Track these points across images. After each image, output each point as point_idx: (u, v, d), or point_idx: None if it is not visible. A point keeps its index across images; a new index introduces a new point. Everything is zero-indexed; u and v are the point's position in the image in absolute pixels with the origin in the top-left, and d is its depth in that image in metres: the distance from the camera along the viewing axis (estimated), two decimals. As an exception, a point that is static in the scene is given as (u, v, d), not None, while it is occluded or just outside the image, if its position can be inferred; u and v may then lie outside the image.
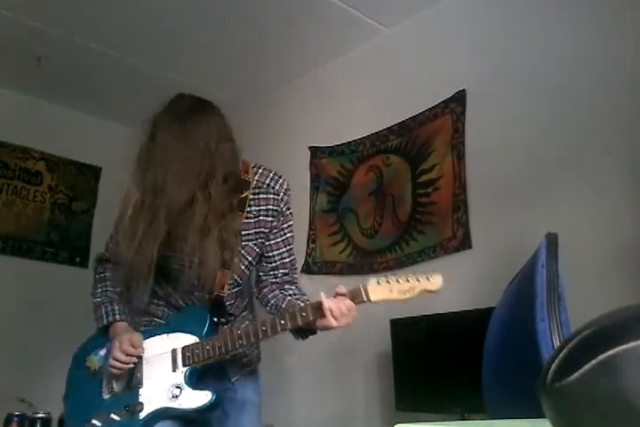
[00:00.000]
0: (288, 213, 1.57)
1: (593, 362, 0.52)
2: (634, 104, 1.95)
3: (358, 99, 2.94)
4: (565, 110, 2.14)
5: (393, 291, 1.35)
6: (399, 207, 2.64)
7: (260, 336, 1.39)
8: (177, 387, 1.39)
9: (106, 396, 1.46)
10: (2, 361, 3.05)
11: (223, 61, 3.22)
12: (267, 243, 1.55)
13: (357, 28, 2.89)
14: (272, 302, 1.57)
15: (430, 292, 1.38)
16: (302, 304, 1.44)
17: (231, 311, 1.56)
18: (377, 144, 2.80)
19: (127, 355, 1.42)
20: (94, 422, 1.41)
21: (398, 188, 2.66)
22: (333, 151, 3.00)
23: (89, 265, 3.67)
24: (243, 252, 1.51)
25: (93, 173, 3.85)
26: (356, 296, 1.35)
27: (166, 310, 1.56)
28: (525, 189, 2.19)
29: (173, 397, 1.38)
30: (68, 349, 3.52)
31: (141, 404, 1.40)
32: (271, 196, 1.53)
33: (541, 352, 1.01)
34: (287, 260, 1.58)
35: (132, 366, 1.43)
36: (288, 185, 1.57)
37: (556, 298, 1.07)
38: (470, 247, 2.31)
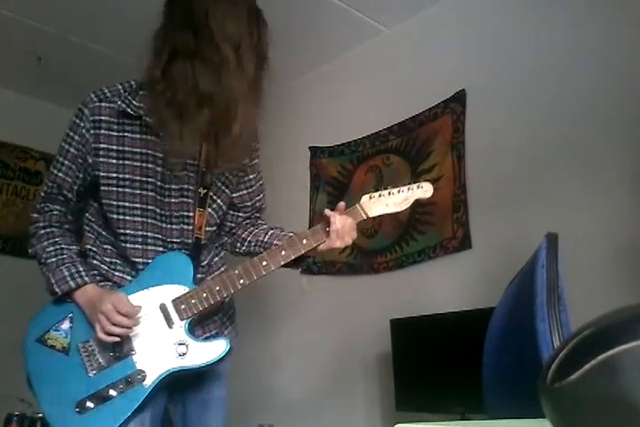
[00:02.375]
0: (255, 162, 1.53)
1: (593, 362, 0.52)
2: (634, 104, 1.95)
3: (358, 99, 2.94)
4: (565, 110, 2.14)
5: (389, 205, 1.38)
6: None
7: (263, 271, 1.31)
8: (180, 344, 1.26)
9: (92, 373, 1.26)
10: (2, 361, 3.05)
11: (223, 61, 3.22)
12: (237, 194, 1.49)
13: (357, 28, 2.89)
14: (250, 238, 1.50)
15: (422, 199, 1.40)
16: (296, 233, 1.39)
17: (206, 259, 1.43)
18: (377, 144, 2.80)
19: (129, 317, 1.25)
20: (88, 404, 1.23)
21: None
22: (333, 151, 3.00)
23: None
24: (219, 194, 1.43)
25: (93, 173, 3.85)
26: (355, 216, 1.36)
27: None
28: (525, 189, 2.19)
29: (180, 355, 1.25)
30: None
31: (142, 371, 1.24)
32: None
33: (541, 352, 1.01)
34: (260, 205, 1.56)
35: (133, 330, 1.26)
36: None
37: (556, 298, 1.07)
38: (470, 247, 2.31)
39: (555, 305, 1.06)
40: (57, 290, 1.29)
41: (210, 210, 1.40)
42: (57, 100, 3.62)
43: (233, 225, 1.54)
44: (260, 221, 1.57)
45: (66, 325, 1.31)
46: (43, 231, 1.35)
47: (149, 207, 1.33)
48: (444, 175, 2.47)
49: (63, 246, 1.33)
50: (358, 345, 2.59)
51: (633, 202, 1.89)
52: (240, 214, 1.53)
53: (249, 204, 1.54)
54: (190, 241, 1.37)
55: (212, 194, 1.40)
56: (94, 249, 1.37)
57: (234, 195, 1.49)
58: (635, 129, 1.94)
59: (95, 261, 1.37)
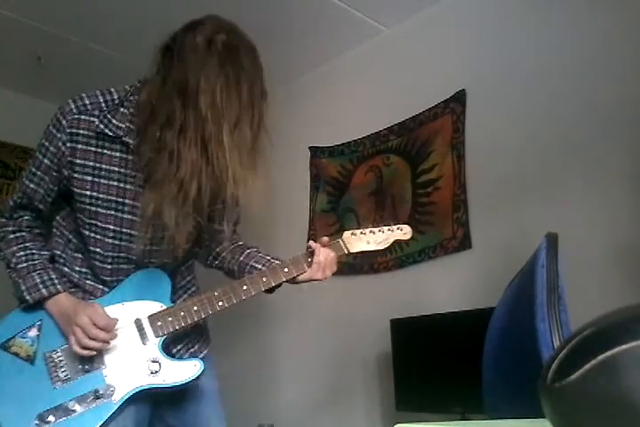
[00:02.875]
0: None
1: (593, 362, 0.52)
2: (634, 104, 1.95)
3: (358, 99, 2.94)
4: (565, 110, 2.14)
5: (370, 243, 1.43)
6: (399, 207, 2.64)
7: (243, 296, 1.29)
8: (154, 361, 1.23)
9: (57, 384, 1.20)
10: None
11: (223, 61, 3.22)
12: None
13: (357, 28, 2.89)
14: (224, 253, 1.47)
15: (401, 241, 1.48)
16: (277, 261, 1.38)
17: (182, 276, 1.41)
18: (377, 144, 2.80)
19: (107, 331, 1.20)
20: (49, 418, 1.16)
21: (398, 188, 2.66)
22: (333, 151, 3.00)
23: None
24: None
25: (93, 173, 3.85)
26: (336, 250, 1.40)
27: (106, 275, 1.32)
28: (525, 189, 2.19)
29: (152, 373, 1.22)
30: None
31: (111, 386, 1.20)
32: None
33: (541, 352, 1.01)
34: (236, 219, 1.48)
35: (109, 344, 1.21)
36: None
37: (556, 298, 1.07)
38: (470, 247, 2.31)
39: (555, 305, 1.06)
40: (28, 298, 1.23)
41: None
42: (57, 100, 3.60)
43: (207, 236, 1.45)
44: (234, 236, 1.50)
45: (33, 332, 1.25)
46: (12, 236, 1.30)
47: (124, 230, 1.27)
48: (443, 175, 2.47)
49: (34, 252, 1.28)
50: (358, 345, 2.59)
51: (633, 202, 1.89)
52: (216, 227, 1.44)
53: (221, 228, 1.46)
54: (168, 261, 1.34)
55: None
56: (64, 256, 1.32)
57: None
58: (635, 129, 1.94)
59: (65, 269, 1.32)
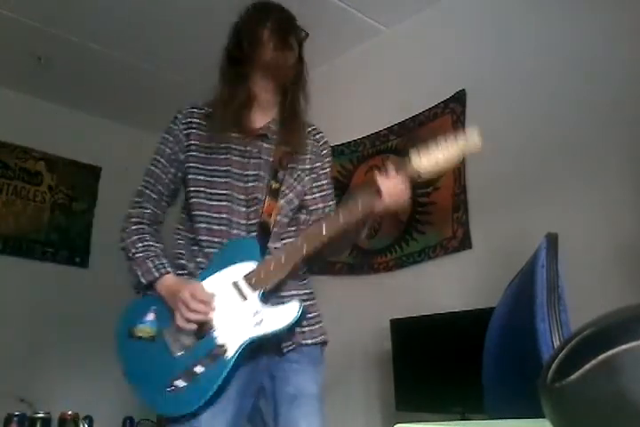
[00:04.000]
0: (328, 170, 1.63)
1: (593, 362, 0.52)
2: (634, 104, 1.95)
3: (358, 99, 2.94)
4: (565, 110, 2.14)
5: (439, 161, 1.38)
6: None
7: (324, 238, 1.35)
8: (256, 313, 1.31)
9: (178, 353, 1.32)
10: (2, 361, 3.05)
11: (223, 61, 3.22)
12: (310, 196, 1.56)
13: (357, 28, 2.89)
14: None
15: (474, 150, 1.39)
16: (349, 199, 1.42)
17: (282, 239, 1.48)
18: (377, 144, 2.80)
19: (206, 303, 1.31)
20: (177, 383, 1.28)
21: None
22: (333, 151, 2.97)
23: (89, 265, 3.68)
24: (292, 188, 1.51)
25: (93, 173, 3.85)
26: (408, 172, 1.39)
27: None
28: (525, 189, 2.19)
29: (257, 324, 1.30)
30: (67, 349, 3.54)
31: (223, 345, 1.30)
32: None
33: (541, 352, 1.01)
34: (330, 211, 1.59)
35: (211, 315, 1.32)
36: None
37: (556, 298, 1.07)
38: (470, 247, 2.31)
39: (555, 305, 1.06)
40: (143, 280, 1.38)
41: (282, 202, 1.47)
42: (57, 100, 3.62)
43: (304, 227, 1.56)
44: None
45: (151, 316, 1.38)
46: (134, 227, 1.45)
47: (234, 194, 1.43)
48: (444, 175, 2.47)
49: (150, 243, 1.43)
50: (358, 345, 2.59)
51: (633, 202, 1.89)
52: (312, 218, 1.57)
53: (320, 206, 1.58)
54: (257, 221, 1.43)
55: (284, 188, 1.48)
56: (182, 252, 1.46)
57: (307, 197, 1.55)
58: (635, 129, 1.94)
59: (183, 261, 1.45)
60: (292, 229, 1.51)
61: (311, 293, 1.51)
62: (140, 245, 1.42)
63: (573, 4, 2.18)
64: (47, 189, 3.65)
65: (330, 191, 1.62)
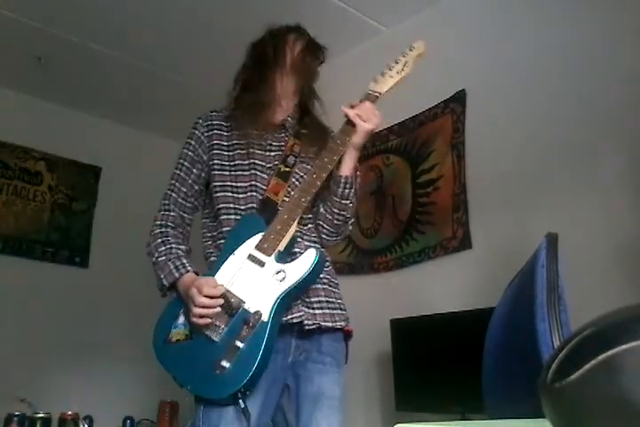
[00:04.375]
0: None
1: (593, 362, 0.52)
2: (634, 104, 1.95)
3: (357, 99, 2.93)
4: (565, 110, 2.14)
5: (393, 76, 1.54)
6: (399, 207, 2.64)
7: (317, 182, 1.42)
8: (277, 272, 1.36)
9: (216, 338, 1.34)
10: (2, 361, 3.05)
11: (222, 61, 3.21)
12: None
13: (357, 28, 2.89)
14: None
15: (421, 56, 1.55)
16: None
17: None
18: (377, 144, 2.80)
19: (211, 297, 1.33)
20: (224, 363, 1.30)
21: (398, 188, 2.66)
22: (333, 151, 2.99)
23: (89, 265, 3.68)
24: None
25: (93, 173, 3.85)
26: (369, 99, 1.53)
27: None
28: (525, 189, 2.19)
29: (280, 281, 1.35)
30: (67, 349, 3.54)
31: (257, 311, 1.33)
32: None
33: (541, 352, 1.01)
34: None
35: (218, 309, 1.33)
36: None
37: (556, 298, 1.07)
38: (470, 247, 2.31)
39: (555, 305, 1.06)
40: (165, 283, 1.41)
41: (293, 180, 1.52)
42: (57, 100, 3.62)
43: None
44: None
45: (181, 319, 1.40)
46: (157, 231, 1.49)
47: (258, 184, 1.49)
48: (443, 175, 2.47)
49: (172, 246, 1.46)
50: (358, 345, 2.58)
51: (633, 202, 1.89)
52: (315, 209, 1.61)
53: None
54: (263, 197, 1.48)
55: (294, 173, 1.53)
56: (211, 250, 1.51)
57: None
58: (635, 129, 1.94)
59: (213, 258, 1.49)
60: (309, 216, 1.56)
61: (336, 282, 1.56)
62: (163, 248, 1.45)
63: (573, 3, 2.18)
64: (47, 189, 3.65)
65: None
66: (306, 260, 1.38)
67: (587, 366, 0.52)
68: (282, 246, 1.39)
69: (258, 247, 1.40)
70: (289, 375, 1.43)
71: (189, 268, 1.42)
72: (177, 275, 1.40)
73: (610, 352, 0.51)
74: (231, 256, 1.41)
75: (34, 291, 3.36)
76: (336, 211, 1.52)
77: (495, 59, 2.41)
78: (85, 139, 3.79)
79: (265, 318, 1.33)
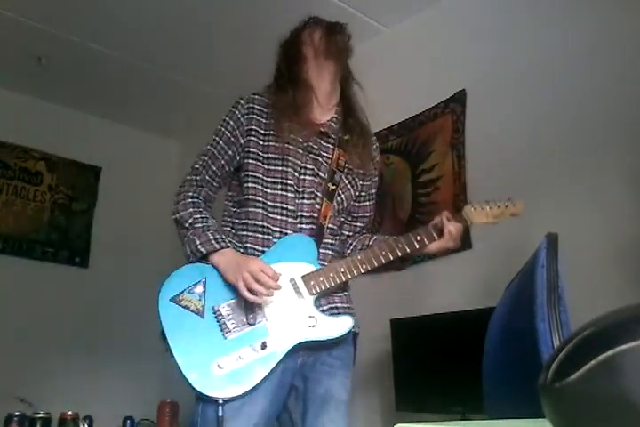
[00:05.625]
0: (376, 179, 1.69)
1: (593, 362, 0.52)
2: (634, 104, 1.95)
3: (358, 98, 2.93)
4: (565, 110, 2.14)
5: (488, 216, 1.56)
6: (399, 207, 2.64)
7: (383, 260, 1.43)
8: (310, 317, 1.35)
9: (228, 336, 1.32)
10: (2, 361, 3.05)
11: (222, 61, 3.22)
12: (360, 204, 1.63)
13: (357, 28, 2.87)
14: (354, 242, 1.61)
15: (515, 215, 1.56)
16: (413, 232, 1.50)
17: (330, 246, 1.52)
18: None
19: (274, 279, 1.33)
20: (224, 365, 1.29)
21: (398, 188, 2.66)
22: (333, 151, 2.99)
23: (89, 265, 3.68)
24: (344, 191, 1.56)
25: (93, 173, 3.85)
26: (460, 221, 1.52)
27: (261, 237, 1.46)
28: (525, 189, 2.19)
29: (310, 327, 1.34)
30: (67, 349, 3.53)
31: (275, 338, 1.32)
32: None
33: (541, 352, 1.01)
34: (372, 218, 1.71)
35: (273, 294, 1.33)
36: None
37: (556, 298, 1.07)
38: (470, 247, 2.31)
39: (555, 305, 1.06)
40: (202, 249, 1.37)
41: (335, 203, 1.52)
42: (57, 100, 3.63)
43: (350, 234, 1.64)
44: (364, 233, 1.68)
45: (199, 289, 1.37)
46: (190, 200, 1.45)
47: (288, 182, 1.46)
48: (443, 175, 2.47)
49: (208, 216, 1.44)
50: (358, 345, 2.58)
51: (633, 202, 1.89)
52: (357, 224, 1.64)
53: (368, 214, 1.66)
54: (315, 215, 1.47)
55: (339, 190, 1.53)
56: (229, 239, 1.46)
57: (356, 204, 1.62)
58: (635, 129, 1.94)
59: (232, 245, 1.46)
60: (338, 236, 1.57)
61: (349, 294, 1.56)
62: (199, 216, 1.42)
63: (573, 3, 2.18)
64: (47, 189, 3.65)
65: (374, 202, 1.68)
66: (339, 326, 1.38)
67: (587, 366, 0.52)
68: (323, 292, 1.40)
69: (304, 279, 1.39)
70: (297, 377, 1.43)
71: (229, 243, 1.40)
72: (217, 246, 1.37)
73: (610, 352, 0.51)
74: (275, 265, 1.38)
75: (34, 291, 3.36)
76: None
77: (495, 59, 2.41)
78: (85, 139, 3.79)
79: (279, 349, 1.33)
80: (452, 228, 1.47)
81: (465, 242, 2.32)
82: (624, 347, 0.51)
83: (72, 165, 3.77)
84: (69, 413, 2.64)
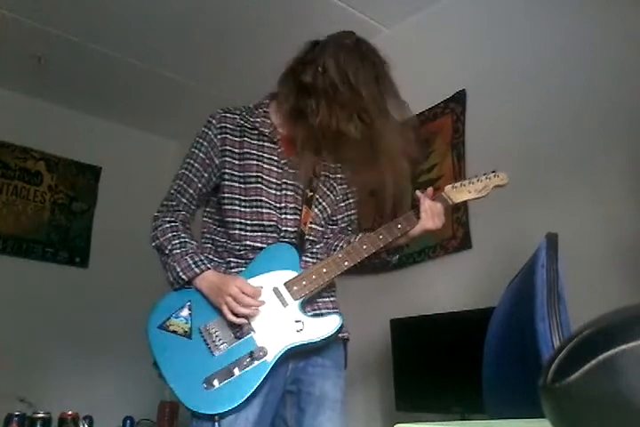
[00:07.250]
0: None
1: (593, 362, 0.52)
2: (633, 104, 1.95)
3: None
4: (565, 110, 2.13)
5: (471, 192, 1.53)
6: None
7: (364, 254, 1.43)
8: (297, 321, 1.36)
9: (215, 353, 1.34)
10: (2, 361, 3.05)
11: (222, 61, 3.22)
12: (336, 206, 1.61)
13: (357, 28, 2.88)
14: (341, 243, 1.60)
15: (500, 186, 1.54)
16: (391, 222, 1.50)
17: (313, 253, 1.52)
18: (377, 144, 2.80)
19: (255, 297, 1.35)
20: (214, 382, 1.30)
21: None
22: (333, 151, 2.99)
23: (89, 265, 3.68)
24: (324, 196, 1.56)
25: (93, 173, 3.85)
26: (441, 201, 1.52)
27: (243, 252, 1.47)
28: (525, 189, 2.19)
29: (298, 331, 1.35)
30: (67, 349, 3.53)
31: (263, 348, 1.33)
32: None
33: (541, 352, 1.01)
34: (354, 218, 1.70)
35: (258, 311, 1.35)
36: None
37: (556, 298, 1.07)
38: (470, 247, 2.31)
39: (555, 305, 1.06)
40: (183, 277, 1.38)
41: (316, 210, 1.52)
42: (57, 100, 3.63)
43: (332, 235, 1.63)
44: (349, 232, 1.67)
45: (185, 312, 1.39)
46: (168, 225, 1.46)
47: (269, 199, 1.46)
48: (444, 175, 2.47)
49: (187, 240, 1.43)
50: (358, 345, 2.58)
51: (633, 202, 1.89)
52: (340, 225, 1.64)
53: (349, 213, 1.66)
54: (297, 229, 1.47)
55: (317, 197, 1.53)
56: (210, 256, 1.47)
57: (335, 207, 1.60)
58: (635, 129, 1.94)
59: (213, 263, 1.46)
60: (322, 244, 1.56)
61: (335, 299, 1.56)
62: (177, 241, 1.42)
63: (574, 4, 2.18)
64: (47, 189, 3.65)
65: (354, 200, 1.67)
66: (327, 325, 1.38)
67: (587, 366, 0.52)
68: (308, 296, 1.40)
69: (287, 286, 1.39)
70: (289, 382, 1.43)
71: (209, 265, 1.40)
72: (197, 270, 1.38)
73: (610, 352, 0.51)
74: (256, 277, 1.40)
75: (34, 291, 3.36)
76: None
77: (495, 59, 2.41)
78: (85, 139, 3.79)
79: (269, 358, 1.33)
80: (429, 205, 1.47)
81: (465, 242, 2.33)
82: (624, 347, 0.51)
83: (72, 165, 3.77)
84: (69, 413, 2.64)
